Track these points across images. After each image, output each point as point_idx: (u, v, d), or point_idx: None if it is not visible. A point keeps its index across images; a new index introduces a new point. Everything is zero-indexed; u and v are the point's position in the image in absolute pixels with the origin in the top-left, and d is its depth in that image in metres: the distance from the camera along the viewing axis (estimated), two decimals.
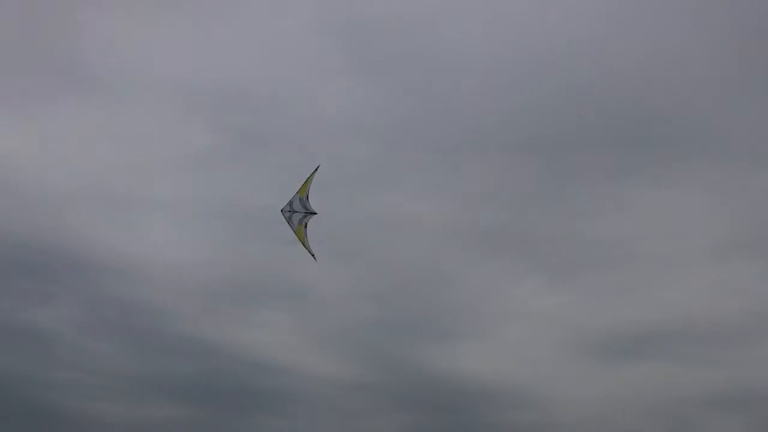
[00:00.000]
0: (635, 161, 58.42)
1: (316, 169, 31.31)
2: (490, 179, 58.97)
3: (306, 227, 31.67)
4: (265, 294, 57.54)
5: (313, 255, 31.83)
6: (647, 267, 57.71)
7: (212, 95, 55.04)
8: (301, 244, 31.62)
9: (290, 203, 31.36)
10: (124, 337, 56.04)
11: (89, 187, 55.31)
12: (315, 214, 31.47)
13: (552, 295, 59.25)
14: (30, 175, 54.43)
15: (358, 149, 56.52)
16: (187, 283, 55.97)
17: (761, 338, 52.91)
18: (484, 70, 56.26)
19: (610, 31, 54.58)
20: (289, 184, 59.05)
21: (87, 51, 52.85)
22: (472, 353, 58.23)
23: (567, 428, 55.12)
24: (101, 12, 52.35)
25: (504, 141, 58.05)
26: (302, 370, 56.53)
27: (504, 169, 58.91)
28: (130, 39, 53.23)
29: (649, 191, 57.54)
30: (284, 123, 55.68)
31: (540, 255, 59.73)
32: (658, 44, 55.17)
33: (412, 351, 57.59)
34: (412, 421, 56.64)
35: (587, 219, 59.25)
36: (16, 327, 54.15)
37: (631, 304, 56.67)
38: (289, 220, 31.45)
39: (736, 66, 55.59)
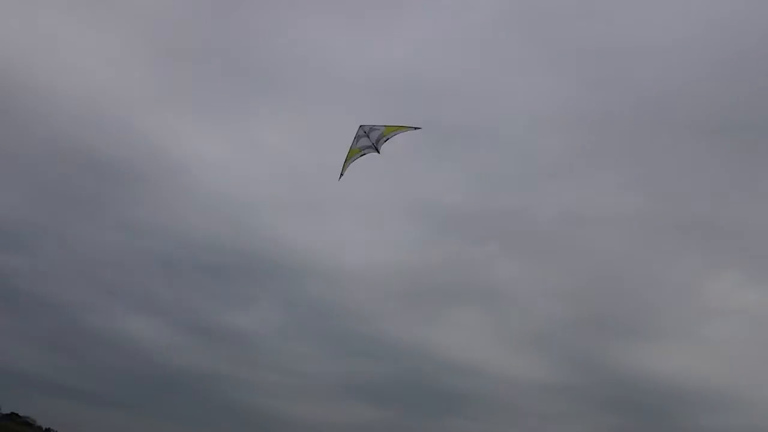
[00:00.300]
0: None
1: (415, 128, 30.35)
2: (686, 170, 56.34)
3: (361, 156, 30.86)
4: (458, 293, 57.16)
5: (342, 174, 31.01)
6: None
7: (401, 93, 55.15)
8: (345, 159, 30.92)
9: (371, 128, 30.25)
10: (322, 338, 56.86)
11: (286, 191, 56.62)
12: (377, 152, 30.78)
13: (754, 289, 55.74)
14: (229, 181, 56.12)
15: (550, 143, 55.34)
16: (381, 283, 56.23)
17: None
18: (678, 59, 53.91)
19: None
20: (481, 179, 58.95)
21: (280, 56, 53.99)
22: (670, 353, 55.47)
23: None
24: (294, 17, 53.39)
25: (700, 130, 55.38)
26: (496, 372, 55.49)
27: (700, 159, 56.15)
28: (321, 42, 54.07)
29: None
30: (473, 118, 55.30)
31: (740, 247, 56.37)
32: None
33: (609, 350, 55.48)
34: (612, 424, 54.43)
35: None
36: (220, 330, 55.86)
37: None
38: (357, 137, 30.48)
39: None
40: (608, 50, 54.62)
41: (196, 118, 57.25)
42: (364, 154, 30.72)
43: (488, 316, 58.31)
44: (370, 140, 30.37)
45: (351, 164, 30.77)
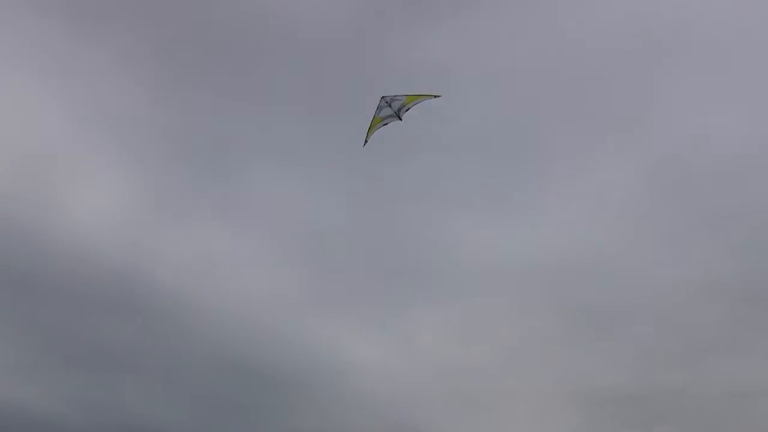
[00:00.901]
0: None
1: (435, 96, 32.14)
2: None
3: (384, 125, 32.85)
4: None
5: (366, 141, 32.82)
6: None
7: (550, 278, 55.28)
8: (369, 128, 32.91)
9: (393, 98, 32.31)
10: None
11: (441, 387, 55.92)
12: (400, 120, 32.58)
13: None
14: (385, 381, 56.04)
15: (709, 313, 53.44)
16: None
17: None
18: None
19: None
20: (640, 358, 57.16)
21: (428, 251, 55.63)
22: None
23: None
24: (439, 211, 55.41)
25: None
26: None
27: None
28: (467, 233, 55.58)
29: None
30: (626, 294, 54.28)
31: None
32: None
33: None
34: None
35: None
36: None
37: None
38: (379, 108, 32.51)
39: None
40: (758, 213, 54.00)
41: (348, 321, 58.60)
42: (387, 124, 32.74)
43: None
44: (392, 109, 32.36)
45: (375, 131, 32.72)
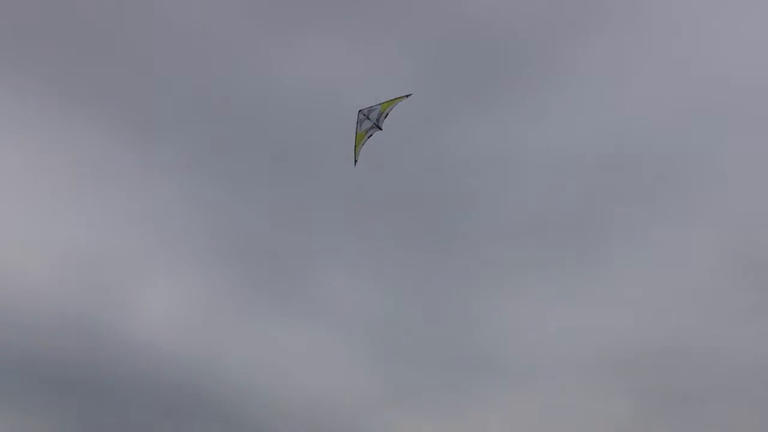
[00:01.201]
0: None
1: (406, 96, 32.31)
2: None
3: (368, 138, 33.02)
4: None
5: (356, 160, 32.79)
6: None
7: (625, 363, 54.11)
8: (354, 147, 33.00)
9: (370, 110, 32.51)
10: None
11: None
12: (380, 129, 32.65)
13: None
14: None
15: None
16: None
17: None
18: None
19: None
20: None
21: (494, 340, 55.37)
22: None
23: None
24: (502, 300, 55.42)
25: None
26: None
27: None
28: (536, 318, 55.25)
29: None
30: (704, 376, 52.62)
31: None
32: None
33: None
34: None
35: None
36: None
37: None
38: (359, 122, 32.63)
39: None
40: None
41: (416, 410, 58.23)
42: (371, 135, 32.90)
43: None
44: (371, 121, 32.57)
45: (362, 147, 32.94)
